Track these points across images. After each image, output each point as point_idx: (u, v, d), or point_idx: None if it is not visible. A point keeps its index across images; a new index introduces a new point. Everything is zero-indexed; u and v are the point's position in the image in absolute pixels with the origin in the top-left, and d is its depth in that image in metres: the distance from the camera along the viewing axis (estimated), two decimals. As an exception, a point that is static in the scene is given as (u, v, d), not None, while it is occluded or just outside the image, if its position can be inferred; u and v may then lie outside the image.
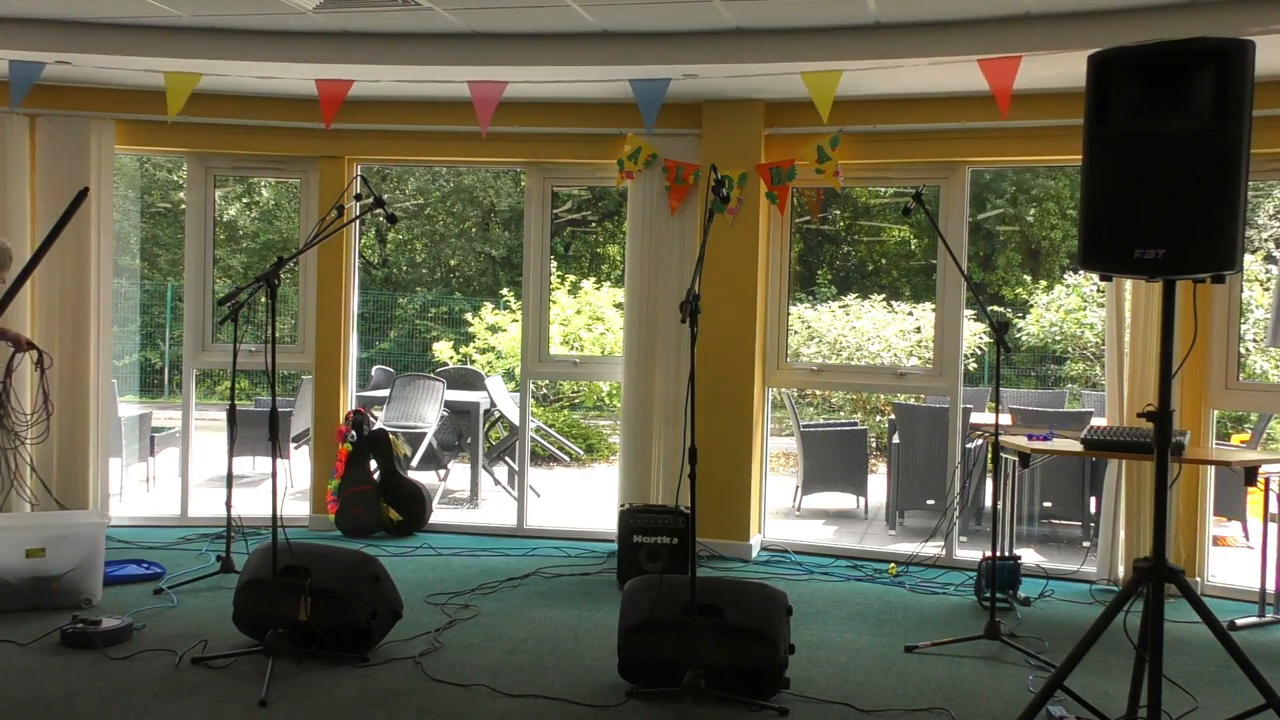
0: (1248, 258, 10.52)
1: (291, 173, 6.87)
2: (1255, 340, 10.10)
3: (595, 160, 6.57)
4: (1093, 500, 6.80)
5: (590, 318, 12.81)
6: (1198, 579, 5.57)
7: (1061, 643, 4.62)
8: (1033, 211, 16.02)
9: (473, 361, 13.14)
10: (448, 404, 8.37)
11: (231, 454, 5.51)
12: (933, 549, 6.04)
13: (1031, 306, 13.32)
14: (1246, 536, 6.91)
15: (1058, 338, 12.69)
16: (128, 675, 4.06)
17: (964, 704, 3.94)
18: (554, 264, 11.56)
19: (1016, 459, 5.37)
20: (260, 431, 6.88)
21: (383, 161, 7.94)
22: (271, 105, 6.53)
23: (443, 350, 13.86)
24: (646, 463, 6.38)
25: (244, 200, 17.61)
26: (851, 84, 5.57)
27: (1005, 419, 6.83)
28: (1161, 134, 3.02)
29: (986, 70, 5.20)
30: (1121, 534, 5.72)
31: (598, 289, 13.18)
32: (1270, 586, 5.15)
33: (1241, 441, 8.29)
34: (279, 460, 4.35)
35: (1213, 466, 5.65)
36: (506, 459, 8.37)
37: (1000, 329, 4.75)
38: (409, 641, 4.51)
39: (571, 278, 13.95)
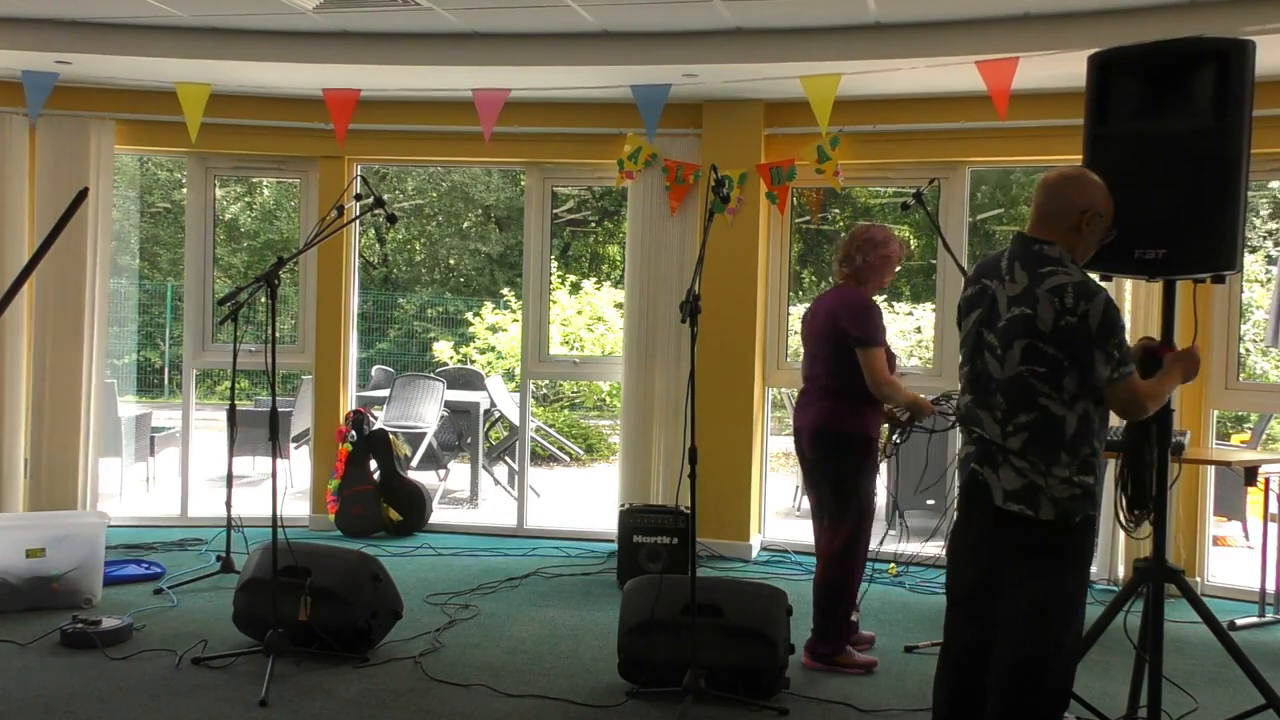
0: (1248, 258, 10.52)
1: (291, 173, 6.87)
2: (1255, 340, 10.10)
3: (595, 160, 6.57)
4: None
5: (590, 318, 12.81)
6: (1198, 579, 5.56)
7: (1061, 643, 4.61)
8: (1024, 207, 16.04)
9: (473, 361, 13.14)
10: (448, 404, 8.38)
11: (231, 454, 5.51)
12: (933, 549, 6.03)
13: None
14: (1246, 536, 6.91)
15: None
16: (128, 675, 4.06)
17: (964, 704, 3.93)
18: (554, 263, 11.56)
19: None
20: (260, 431, 6.87)
21: (383, 161, 7.95)
22: (272, 105, 6.53)
23: (443, 350, 13.87)
24: (646, 463, 6.38)
25: (245, 200, 17.62)
26: (851, 84, 5.57)
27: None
28: (1162, 134, 3.02)
29: (984, 72, 5.20)
30: (1121, 534, 5.71)
31: (598, 289, 13.18)
32: (1270, 586, 5.15)
33: (1241, 441, 8.29)
34: (279, 460, 4.35)
35: (1213, 466, 5.64)
36: (506, 459, 8.37)
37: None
38: (409, 641, 4.51)
39: (572, 278, 13.96)
